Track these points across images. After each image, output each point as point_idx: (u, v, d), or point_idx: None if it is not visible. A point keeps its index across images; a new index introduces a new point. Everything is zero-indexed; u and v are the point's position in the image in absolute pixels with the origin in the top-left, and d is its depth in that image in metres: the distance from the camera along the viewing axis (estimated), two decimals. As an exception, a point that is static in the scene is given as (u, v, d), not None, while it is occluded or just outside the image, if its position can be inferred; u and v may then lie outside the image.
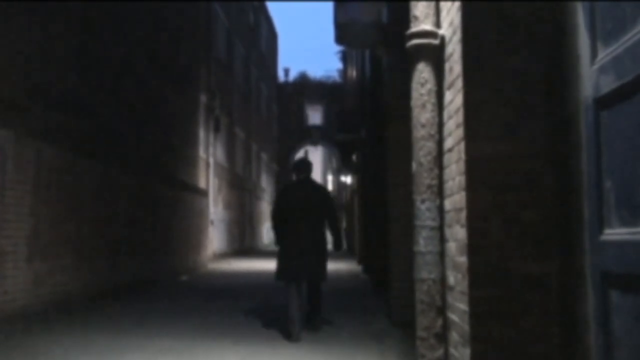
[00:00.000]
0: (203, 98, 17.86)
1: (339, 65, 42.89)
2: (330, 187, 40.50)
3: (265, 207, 32.32)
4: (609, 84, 2.11)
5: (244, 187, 25.59)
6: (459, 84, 2.82)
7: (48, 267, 7.72)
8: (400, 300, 6.49)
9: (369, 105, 12.32)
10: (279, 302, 8.76)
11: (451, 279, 3.06)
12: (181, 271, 13.68)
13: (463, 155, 2.75)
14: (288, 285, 6.18)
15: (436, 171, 3.25)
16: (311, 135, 37.57)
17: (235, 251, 22.26)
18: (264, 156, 32.08)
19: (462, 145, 2.77)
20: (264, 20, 33.29)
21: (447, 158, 3.17)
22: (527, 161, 2.68)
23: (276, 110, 36.82)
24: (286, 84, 39.48)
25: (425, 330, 3.19)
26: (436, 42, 3.26)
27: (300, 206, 6.24)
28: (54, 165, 7.96)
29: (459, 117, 2.82)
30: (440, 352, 3.17)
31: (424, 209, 3.24)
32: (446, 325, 3.17)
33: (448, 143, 3.12)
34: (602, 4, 2.18)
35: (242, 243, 24.50)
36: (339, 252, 6.99)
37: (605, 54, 2.15)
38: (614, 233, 2.09)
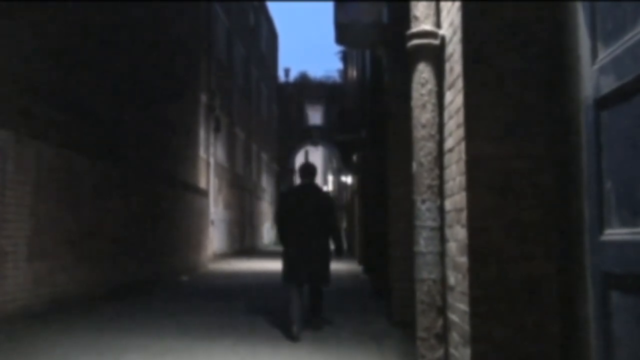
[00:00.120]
0: (203, 98, 17.87)
1: (339, 65, 42.94)
2: (330, 187, 40.52)
3: (265, 207, 32.32)
4: (609, 84, 2.11)
5: (244, 187, 25.59)
6: (460, 84, 2.82)
7: (48, 267, 7.72)
8: (401, 300, 6.49)
9: (369, 106, 12.32)
10: (279, 302, 8.76)
11: (451, 279, 3.06)
12: (181, 271, 13.68)
13: (463, 156, 2.75)
14: (290, 286, 6.29)
15: (436, 171, 3.25)
16: (311, 136, 37.58)
17: (235, 251, 22.26)
18: (264, 156, 32.08)
19: (462, 146, 2.77)
20: (264, 20, 33.30)
21: (447, 158, 3.16)
22: (528, 161, 2.68)
23: (276, 110, 36.82)
24: (286, 84, 39.49)
25: (425, 330, 3.19)
26: (436, 42, 3.26)
27: (303, 210, 6.33)
28: (54, 166, 7.96)
29: (460, 118, 2.82)
30: (440, 352, 3.17)
31: (424, 209, 3.24)
32: (446, 326, 3.17)
33: (448, 143, 3.12)
34: (603, 4, 2.18)
35: (242, 243, 24.51)
36: (339, 256, 7.04)
37: (605, 55, 2.15)
38: (614, 233, 2.09)
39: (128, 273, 10.55)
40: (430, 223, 3.22)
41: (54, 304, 7.68)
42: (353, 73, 22.16)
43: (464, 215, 2.75)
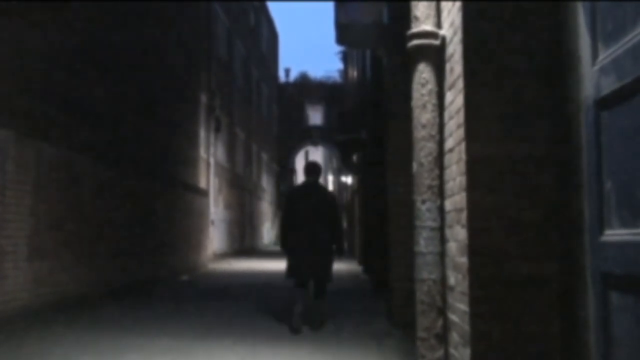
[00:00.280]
0: (203, 98, 17.87)
1: (339, 65, 42.87)
2: (330, 187, 40.50)
3: (265, 208, 32.32)
4: (609, 84, 2.11)
5: (245, 187, 25.59)
6: (460, 84, 2.82)
7: (48, 267, 7.72)
8: (401, 300, 6.48)
9: (369, 106, 12.32)
10: (278, 302, 8.76)
11: (452, 279, 3.06)
12: (181, 271, 13.68)
13: (464, 156, 2.75)
14: (295, 283, 6.61)
15: (437, 172, 3.25)
16: (311, 136, 37.56)
17: (235, 251, 22.26)
18: (265, 156, 32.08)
19: (462, 146, 2.77)
20: (265, 20, 33.30)
21: (447, 158, 3.17)
22: (528, 162, 2.68)
23: (277, 110, 36.82)
24: (287, 84, 39.48)
25: (425, 330, 3.19)
26: (437, 42, 3.26)
27: (308, 209, 6.54)
28: (54, 166, 7.96)
29: (460, 118, 2.82)
30: (440, 352, 3.17)
31: (424, 209, 3.24)
32: (446, 326, 3.17)
33: (449, 143, 3.12)
34: (603, 5, 2.18)
35: (243, 243, 24.51)
36: (340, 256, 7.09)
37: (605, 55, 2.15)
38: (615, 234, 2.09)
39: (128, 273, 10.55)
40: (430, 223, 3.23)
41: (54, 303, 7.68)
42: (353, 73, 22.16)
43: (464, 216, 2.75)
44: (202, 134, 17.61)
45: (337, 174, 35.94)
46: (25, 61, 7.47)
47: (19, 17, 7.31)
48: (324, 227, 6.57)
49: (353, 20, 8.31)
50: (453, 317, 3.02)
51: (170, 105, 13.97)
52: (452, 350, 3.06)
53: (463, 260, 2.77)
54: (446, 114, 3.20)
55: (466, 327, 2.71)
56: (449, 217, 3.11)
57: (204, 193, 17.12)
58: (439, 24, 3.32)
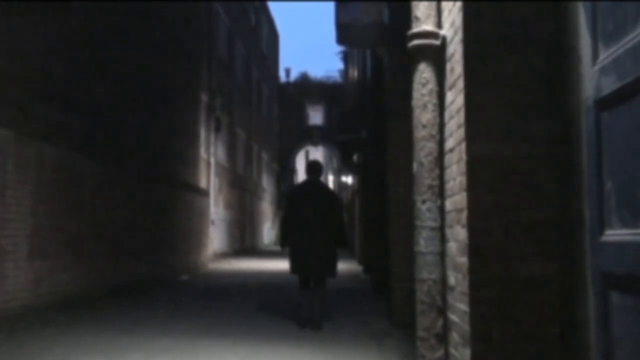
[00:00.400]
0: (204, 98, 17.87)
1: (340, 65, 42.90)
2: (331, 187, 40.49)
3: (266, 207, 32.32)
4: (610, 85, 2.11)
5: (245, 187, 25.59)
6: (460, 84, 2.82)
7: (49, 266, 7.72)
8: (401, 300, 6.48)
9: (369, 106, 12.32)
10: (279, 302, 8.77)
11: (452, 279, 3.06)
12: (182, 271, 13.68)
13: (464, 156, 2.75)
14: (299, 284, 6.74)
15: (437, 171, 3.25)
16: (312, 135, 37.55)
17: (235, 251, 22.26)
18: (265, 156, 32.08)
19: (463, 146, 2.77)
20: (265, 20, 33.29)
21: (448, 158, 3.17)
22: (528, 162, 2.68)
23: (277, 110, 36.81)
24: (287, 84, 39.48)
25: (425, 330, 3.19)
26: (437, 42, 3.26)
27: (309, 207, 6.64)
28: (54, 165, 7.96)
29: (460, 118, 2.82)
30: (440, 352, 3.17)
31: (424, 209, 3.24)
32: (446, 326, 3.17)
33: (449, 143, 3.12)
34: (604, 5, 2.18)
35: (243, 243, 24.51)
36: (340, 253, 7.11)
37: (606, 55, 2.15)
38: (615, 234, 2.09)
39: (128, 272, 10.55)
40: (430, 223, 3.23)
41: (54, 303, 7.68)
42: (354, 73, 22.16)
43: (464, 216, 2.75)
44: (203, 133, 17.61)
45: (338, 173, 35.95)
46: (25, 61, 7.47)
47: (19, 16, 7.32)
48: (326, 225, 6.64)
49: (353, 20, 8.31)
50: (453, 317, 3.02)
51: (170, 105, 13.97)
52: (452, 350, 3.06)
53: (463, 260, 2.77)
54: (446, 114, 3.20)
55: (466, 327, 2.71)
56: (449, 217, 3.11)
57: (205, 193, 17.12)
58: (439, 24, 3.32)
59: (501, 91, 2.72)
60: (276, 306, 8.36)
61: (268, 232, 32.89)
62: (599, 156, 2.20)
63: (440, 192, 3.25)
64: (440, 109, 3.28)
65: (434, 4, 3.32)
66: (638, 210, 1.93)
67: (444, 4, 3.26)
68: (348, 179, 27.12)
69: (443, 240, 3.23)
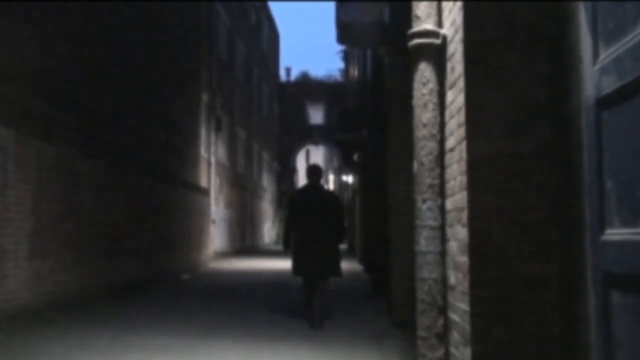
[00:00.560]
0: (204, 97, 17.87)
1: (340, 64, 42.93)
2: (331, 186, 40.49)
3: (266, 207, 32.32)
4: (610, 84, 2.11)
5: (245, 186, 25.60)
6: (461, 83, 2.82)
7: (49, 265, 7.72)
8: (401, 299, 6.48)
9: (370, 105, 12.32)
10: (279, 301, 8.77)
11: (452, 278, 3.06)
12: (182, 270, 13.69)
13: (464, 155, 2.75)
14: (303, 285, 6.92)
15: (437, 171, 3.25)
16: (312, 135, 37.55)
17: (236, 250, 22.27)
18: (265, 155, 32.08)
19: (463, 145, 2.77)
20: (266, 19, 33.29)
21: (448, 158, 3.16)
22: (529, 161, 2.68)
23: (277, 109, 36.81)
24: (288, 83, 39.48)
25: (426, 330, 3.19)
26: (438, 41, 3.25)
27: (312, 210, 6.84)
28: (55, 164, 7.97)
29: (461, 117, 2.82)
30: (441, 351, 3.17)
31: (425, 208, 3.24)
32: (447, 325, 3.17)
33: (449, 143, 3.12)
34: (604, 4, 2.18)
35: (243, 242, 24.52)
36: (341, 251, 7.22)
37: (606, 55, 2.15)
38: (615, 233, 2.09)
39: (129, 272, 10.55)
40: (431, 222, 3.22)
41: (54, 302, 7.69)
42: (354, 72, 22.15)
43: (464, 215, 2.75)
44: (203, 133, 17.61)
45: (338, 173, 35.94)
46: (26, 60, 7.47)
47: (20, 16, 7.32)
48: (328, 227, 6.83)
49: (354, 19, 8.30)
50: (454, 317, 3.02)
51: (171, 104, 13.97)
52: (452, 350, 3.06)
53: (464, 259, 2.77)
54: (447, 113, 3.20)
55: (467, 326, 2.71)
56: (450, 217, 3.11)
57: (205, 192, 17.12)
58: (440, 23, 3.31)
59: (501, 90, 2.72)
60: (276, 305, 8.36)
61: (268, 232, 32.89)
62: (600, 155, 2.20)
63: (441, 192, 3.25)
64: (441, 108, 3.28)
65: (434, 3, 3.32)
66: (638, 210, 1.93)
67: (445, 3, 3.26)
68: (348, 178, 27.12)
69: (443, 239, 3.23)
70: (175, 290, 10.66)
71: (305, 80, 39.55)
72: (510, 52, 2.73)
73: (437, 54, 3.27)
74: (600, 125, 2.21)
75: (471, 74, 2.75)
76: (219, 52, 20.48)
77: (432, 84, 3.26)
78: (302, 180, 29.25)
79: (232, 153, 22.52)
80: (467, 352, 2.69)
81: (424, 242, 3.23)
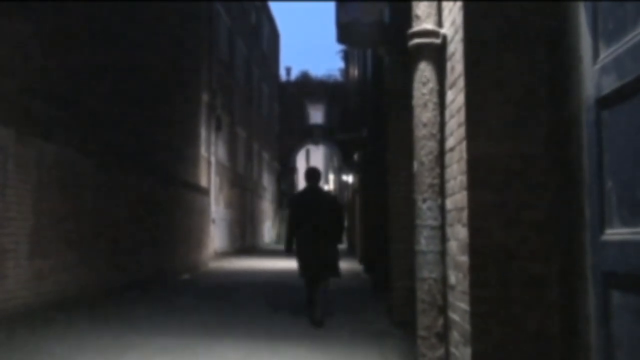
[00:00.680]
0: (205, 97, 17.87)
1: (340, 64, 42.89)
2: (331, 186, 40.51)
3: (266, 206, 32.32)
4: (610, 84, 2.11)
5: (246, 186, 25.59)
6: (461, 83, 2.82)
7: (49, 265, 7.72)
8: (401, 299, 6.49)
9: (370, 105, 12.32)
10: (279, 301, 8.77)
11: (452, 278, 3.06)
12: (182, 270, 13.69)
13: (464, 155, 2.75)
14: (305, 283, 7.12)
15: (437, 170, 3.25)
16: (313, 134, 37.54)
17: (236, 250, 22.27)
18: (266, 155, 32.08)
19: (463, 145, 2.77)
20: (266, 19, 33.28)
21: (448, 157, 3.16)
22: (529, 161, 2.68)
23: (278, 109, 36.81)
24: (288, 83, 39.48)
25: (426, 329, 3.19)
26: (438, 41, 3.25)
27: (312, 212, 7.03)
28: (55, 164, 7.97)
29: (461, 117, 2.82)
30: (441, 351, 3.17)
31: (425, 208, 3.24)
32: (447, 325, 3.17)
33: (450, 142, 3.12)
34: (604, 4, 2.18)
35: (244, 242, 24.51)
36: (340, 251, 7.35)
37: (607, 54, 2.15)
38: (615, 233, 2.09)
39: (129, 271, 10.55)
40: (431, 222, 3.22)
41: (55, 302, 7.69)
42: (354, 72, 22.15)
43: (464, 215, 2.75)
44: (203, 132, 17.61)
45: (338, 172, 35.94)
46: (25, 60, 7.47)
47: (20, 16, 7.31)
48: (328, 228, 7.03)
49: (354, 19, 8.31)
50: (454, 316, 3.02)
51: (171, 104, 13.97)
52: (452, 349, 3.06)
53: (464, 259, 2.77)
54: (447, 113, 3.20)
55: (467, 326, 2.71)
56: (450, 216, 3.11)
57: (205, 192, 17.12)
58: (440, 23, 3.31)
59: (502, 90, 2.72)
60: (277, 305, 8.36)
61: (269, 231, 32.89)
62: (600, 155, 2.20)
63: (441, 191, 3.25)
64: (441, 108, 3.28)
65: (434, 3, 3.32)
66: (639, 209, 1.93)
67: (445, 3, 3.25)
68: (349, 178, 27.13)
69: (444, 239, 3.23)
70: (175, 290, 10.66)
71: (305, 80, 39.54)
72: (510, 52, 2.73)
73: (437, 54, 3.27)
74: (600, 125, 2.21)
75: (471, 73, 2.75)
76: (219, 52, 20.48)
77: (432, 84, 3.26)
78: (302, 179, 29.36)
79: (232, 153, 22.52)
80: (467, 351, 2.69)
81: (424, 241, 3.23)
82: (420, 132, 3.29)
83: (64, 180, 8.19)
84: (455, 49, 2.96)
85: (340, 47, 26.37)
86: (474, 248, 2.67)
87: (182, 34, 15.25)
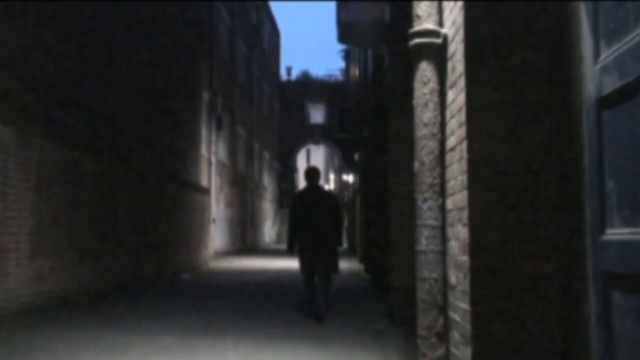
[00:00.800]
0: (205, 97, 17.87)
1: (341, 64, 42.89)
2: (332, 186, 40.52)
3: (267, 206, 32.33)
4: (611, 84, 2.11)
5: (246, 185, 25.60)
6: (462, 83, 2.82)
7: (50, 264, 7.73)
8: (402, 299, 6.49)
9: (371, 104, 12.32)
10: (279, 300, 8.77)
11: (453, 278, 3.06)
12: (183, 269, 13.69)
13: (465, 155, 2.75)
14: (305, 280, 7.25)
15: (438, 170, 3.25)
16: (313, 134, 37.56)
17: (237, 250, 22.27)
18: (266, 155, 32.08)
19: (464, 145, 2.77)
20: (267, 19, 33.29)
21: (449, 157, 3.16)
22: (530, 161, 2.68)
23: (278, 109, 36.82)
24: (289, 82, 39.50)
25: (426, 329, 3.19)
26: (439, 41, 3.25)
27: (313, 211, 7.19)
28: (56, 163, 7.97)
29: (462, 117, 2.82)
30: (441, 351, 3.17)
31: (426, 208, 3.24)
32: (447, 325, 3.17)
33: (450, 142, 3.12)
34: (605, 4, 2.18)
35: (244, 242, 24.52)
36: (340, 251, 7.46)
37: (608, 54, 2.15)
38: (616, 233, 2.09)
39: (130, 271, 10.56)
40: (431, 222, 3.22)
41: (55, 301, 7.70)
42: (355, 72, 22.16)
43: (465, 215, 2.74)
44: (204, 132, 17.61)
45: (339, 172, 35.94)
46: (27, 59, 7.48)
47: (21, 16, 7.32)
48: (328, 227, 7.18)
49: (355, 19, 8.32)
50: (454, 316, 3.02)
51: (172, 103, 13.98)
52: (453, 349, 3.06)
53: (464, 259, 2.77)
54: (448, 113, 3.20)
55: (467, 326, 2.71)
56: (451, 216, 3.11)
57: (206, 191, 17.12)
58: (441, 23, 3.31)
59: (502, 90, 2.72)
60: (277, 305, 8.37)
61: (269, 231, 32.90)
62: (601, 155, 2.19)
63: (442, 191, 3.25)
64: (442, 108, 3.28)
65: (435, 3, 3.32)
66: (639, 210, 1.93)
67: (446, 3, 3.25)
68: (349, 178, 27.13)
69: (444, 239, 3.23)
70: (175, 290, 10.66)
71: (306, 80, 39.57)
72: (511, 52, 2.73)
73: (438, 54, 3.27)
74: (601, 124, 2.21)
75: (472, 73, 2.75)
76: (220, 52, 20.48)
77: (433, 84, 3.26)
78: (302, 179, 29.41)
79: (233, 152, 22.53)
80: (468, 351, 2.69)
81: (425, 241, 3.23)
82: (421, 132, 3.29)
83: (64, 180, 8.20)
84: (456, 49, 2.96)
85: (341, 46, 26.37)
86: (475, 248, 2.67)
87: (183, 34, 15.25)
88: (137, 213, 11.14)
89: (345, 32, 8.76)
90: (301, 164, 38.48)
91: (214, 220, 18.21)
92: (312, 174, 7.62)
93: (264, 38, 32.24)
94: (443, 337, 3.18)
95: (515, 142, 2.69)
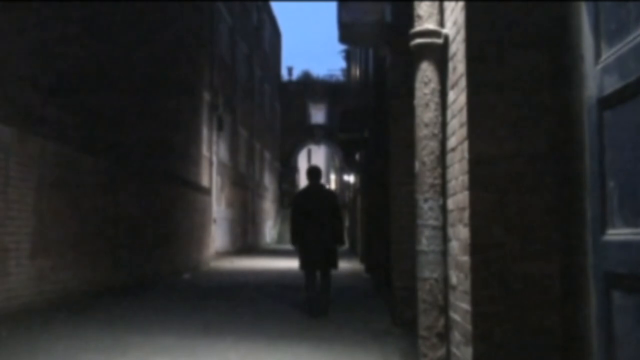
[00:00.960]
0: (206, 96, 17.88)
1: (342, 64, 42.91)
2: (333, 186, 40.52)
3: (268, 206, 32.33)
4: (612, 84, 2.11)
5: (247, 185, 25.60)
6: (463, 83, 2.82)
7: (51, 264, 7.73)
8: (402, 299, 6.48)
9: (372, 104, 12.32)
10: (280, 300, 8.77)
11: (454, 278, 3.06)
12: (183, 269, 13.69)
13: (466, 155, 2.74)
14: (305, 271, 7.41)
15: (439, 170, 3.25)
16: (314, 134, 37.55)
17: (237, 249, 22.27)
18: (267, 155, 32.08)
19: (465, 145, 2.77)
20: (268, 19, 33.28)
21: (450, 157, 3.16)
22: (530, 161, 2.68)
23: (279, 109, 36.81)
24: (289, 82, 39.49)
25: (427, 329, 3.19)
26: (440, 41, 3.25)
27: (315, 207, 7.37)
28: (57, 163, 7.97)
29: (463, 117, 2.82)
30: (442, 351, 3.17)
31: (426, 208, 3.24)
32: (448, 325, 3.17)
33: (451, 142, 3.12)
34: (606, 4, 2.17)
35: (245, 241, 24.52)
36: (341, 251, 7.52)
37: (609, 54, 2.15)
38: (617, 233, 2.09)
39: (130, 270, 10.56)
40: (432, 222, 3.22)
41: (56, 301, 7.70)
42: (356, 72, 22.16)
43: (466, 214, 2.74)
44: (205, 132, 17.62)
45: (340, 172, 35.94)
46: (28, 59, 7.48)
47: (22, 16, 7.32)
48: (328, 224, 7.35)
49: (356, 19, 8.31)
50: (455, 316, 3.02)
51: (172, 103, 13.98)
52: (453, 349, 3.06)
53: (465, 259, 2.77)
54: (449, 113, 3.20)
55: (468, 326, 2.71)
56: (451, 216, 3.11)
57: (207, 191, 17.13)
58: (441, 23, 3.31)
59: (503, 90, 2.72)
60: (277, 304, 8.37)
61: (270, 231, 32.90)
62: (601, 155, 2.19)
63: (442, 191, 3.25)
64: (443, 108, 3.28)
65: (436, 3, 3.31)
66: (640, 210, 1.93)
67: (447, 3, 3.25)
68: (350, 178, 27.13)
69: (445, 239, 3.23)
70: (176, 289, 10.66)
71: (307, 80, 39.56)
72: (512, 52, 2.73)
73: (438, 54, 3.27)
74: (602, 125, 2.20)
75: (473, 73, 2.75)
76: (220, 52, 20.49)
77: (434, 84, 3.26)
78: (303, 179, 29.37)
79: (233, 152, 22.53)
80: (469, 351, 2.69)
81: (426, 241, 3.23)
82: (421, 132, 3.29)
83: (65, 179, 8.20)
84: (457, 49, 2.96)
85: (342, 46, 26.39)
86: (476, 248, 2.66)
87: (184, 34, 15.26)
88: (138, 212, 11.14)
89: (346, 32, 8.75)
90: (302, 164, 38.48)
91: (215, 220, 18.21)
92: (314, 172, 7.84)
93: (265, 38, 32.24)
94: (444, 337, 3.18)
95: (516, 142, 2.69)
